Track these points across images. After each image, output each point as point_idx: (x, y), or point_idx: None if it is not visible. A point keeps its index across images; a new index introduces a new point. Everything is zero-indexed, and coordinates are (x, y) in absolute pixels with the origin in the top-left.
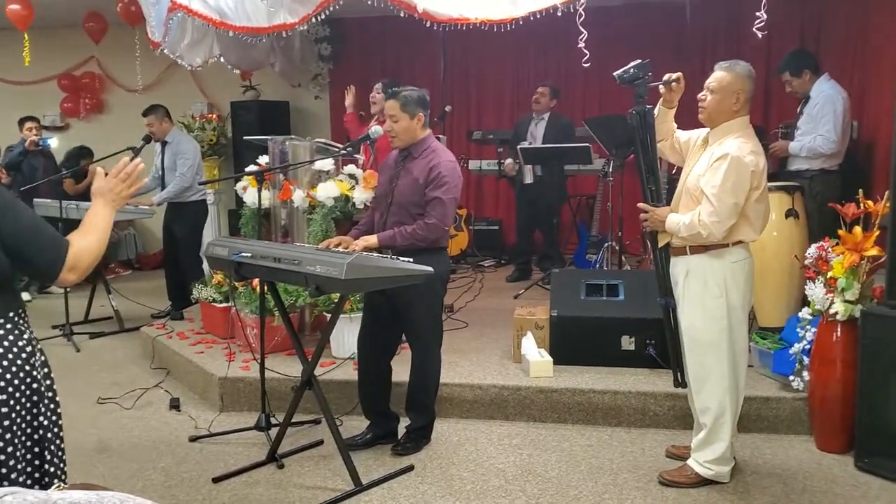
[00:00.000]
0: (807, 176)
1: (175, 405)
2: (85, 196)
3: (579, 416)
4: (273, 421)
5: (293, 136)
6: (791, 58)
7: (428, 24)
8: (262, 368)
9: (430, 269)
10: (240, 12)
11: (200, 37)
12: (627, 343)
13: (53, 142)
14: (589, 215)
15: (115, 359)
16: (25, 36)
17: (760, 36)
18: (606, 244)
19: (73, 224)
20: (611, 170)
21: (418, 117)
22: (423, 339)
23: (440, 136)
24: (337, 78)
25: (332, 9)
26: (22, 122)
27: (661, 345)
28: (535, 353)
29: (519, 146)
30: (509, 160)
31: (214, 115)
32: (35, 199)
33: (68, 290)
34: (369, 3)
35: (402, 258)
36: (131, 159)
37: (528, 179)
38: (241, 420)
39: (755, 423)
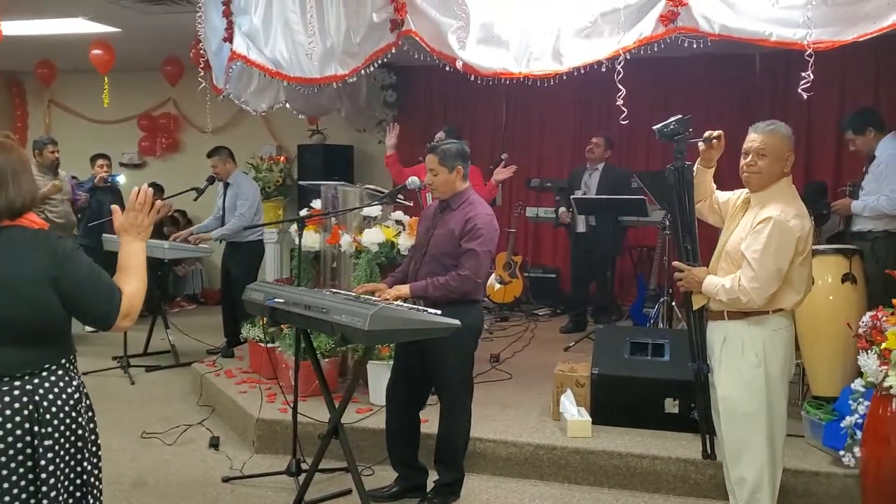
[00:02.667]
0: (869, 238)
1: (214, 444)
2: (155, 232)
3: (616, 479)
4: (304, 466)
5: (343, 182)
6: (854, 116)
7: (472, 78)
8: (295, 412)
9: (457, 322)
10: (293, 63)
11: (266, 83)
12: (671, 406)
13: (122, 178)
14: (649, 267)
15: (165, 393)
16: (105, 79)
17: (806, 97)
18: (663, 299)
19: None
20: (668, 223)
21: (457, 170)
22: (451, 393)
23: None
24: (401, 124)
25: (380, 61)
26: (94, 158)
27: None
28: (573, 411)
29: (572, 196)
30: (563, 209)
31: (282, 157)
32: (104, 235)
33: None
34: (415, 56)
35: (430, 310)
36: (195, 199)
37: (581, 228)
38: (275, 463)
39: (802, 498)
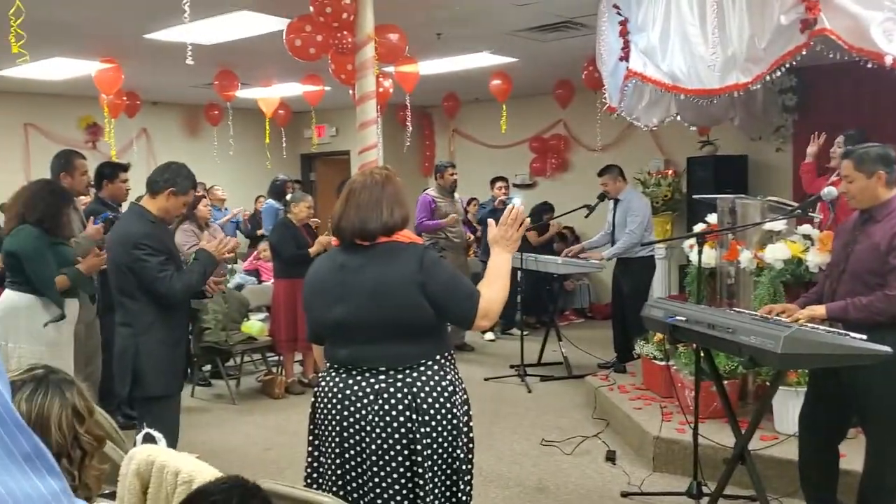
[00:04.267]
0: None
1: (611, 457)
2: (545, 248)
3: None
4: (705, 490)
5: (743, 195)
6: None
7: None
8: (696, 435)
9: (887, 349)
10: (692, 76)
11: (657, 98)
12: None
13: (517, 200)
14: None
15: (560, 403)
16: (503, 107)
17: None
18: None
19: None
20: None
21: (878, 176)
22: (881, 429)
23: None
24: (802, 129)
25: (786, 66)
26: (493, 181)
27: None
28: None
29: None
30: None
31: (670, 171)
32: None
33: (525, 333)
34: (830, 56)
35: (853, 334)
36: (586, 216)
37: None
38: (673, 483)
39: None
